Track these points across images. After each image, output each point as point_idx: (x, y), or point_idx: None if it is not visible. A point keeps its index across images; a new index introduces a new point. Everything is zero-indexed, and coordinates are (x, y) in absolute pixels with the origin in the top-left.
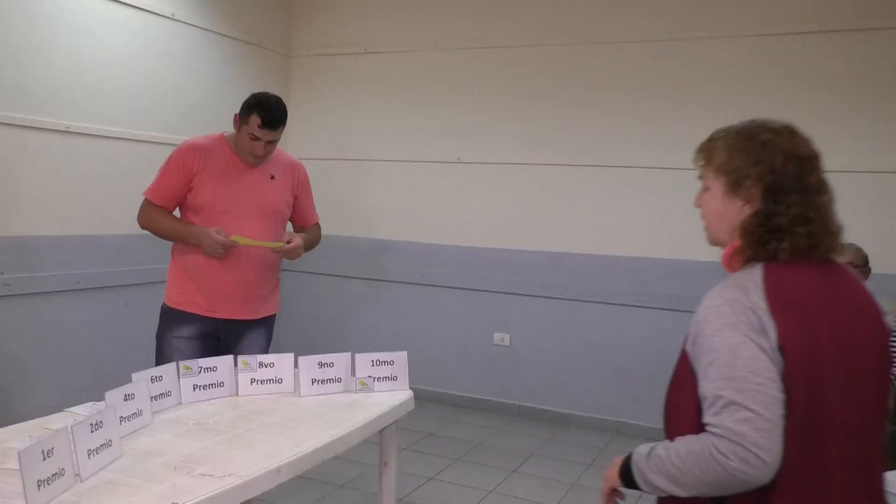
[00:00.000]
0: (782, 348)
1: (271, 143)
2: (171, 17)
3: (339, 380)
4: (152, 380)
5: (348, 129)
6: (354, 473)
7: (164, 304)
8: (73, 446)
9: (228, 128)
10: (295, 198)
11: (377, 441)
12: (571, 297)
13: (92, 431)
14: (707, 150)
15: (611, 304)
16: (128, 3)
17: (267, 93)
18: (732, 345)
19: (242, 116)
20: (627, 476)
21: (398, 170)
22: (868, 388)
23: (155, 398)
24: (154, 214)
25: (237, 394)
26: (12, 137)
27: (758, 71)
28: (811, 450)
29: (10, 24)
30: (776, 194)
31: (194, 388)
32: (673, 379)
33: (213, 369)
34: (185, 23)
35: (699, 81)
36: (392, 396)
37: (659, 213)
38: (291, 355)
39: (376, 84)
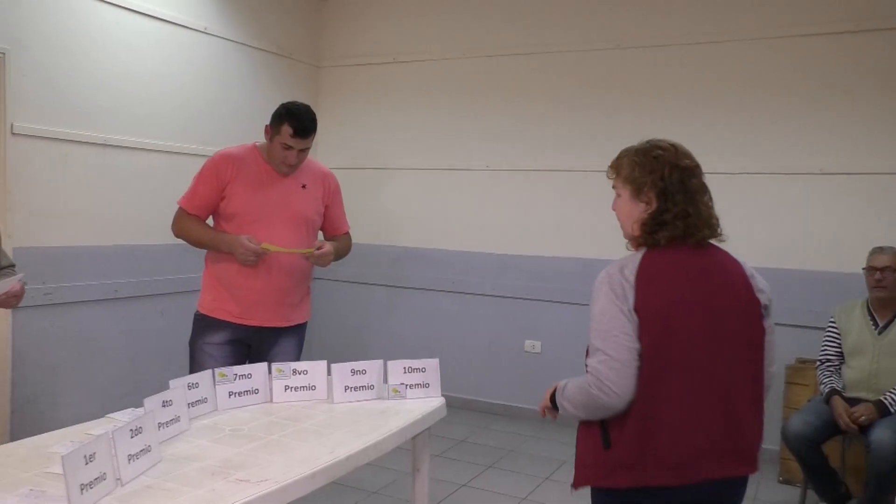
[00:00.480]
0: (637, 310)
1: (303, 151)
2: (203, 31)
3: (371, 387)
4: (189, 387)
5: (378, 137)
6: (387, 480)
7: (196, 311)
8: (114, 451)
9: (261, 138)
10: (326, 207)
11: (410, 448)
12: None
13: (132, 437)
14: (616, 166)
15: None
16: (162, 18)
17: (296, 102)
18: (603, 309)
19: (274, 127)
20: (554, 402)
21: (428, 178)
22: (734, 344)
23: (192, 405)
24: (187, 223)
25: (271, 400)
26: (53, 150)
27: (789, 72)
28: (658, 385)
29: (49, 41)
30: (666, 196)
31: (230, 395)
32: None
33: (248, 376)
34: (217, 36)
35: (730, 84)
36: (424, 403)
37: None
38: (325, 363)
39: (405, 93)
